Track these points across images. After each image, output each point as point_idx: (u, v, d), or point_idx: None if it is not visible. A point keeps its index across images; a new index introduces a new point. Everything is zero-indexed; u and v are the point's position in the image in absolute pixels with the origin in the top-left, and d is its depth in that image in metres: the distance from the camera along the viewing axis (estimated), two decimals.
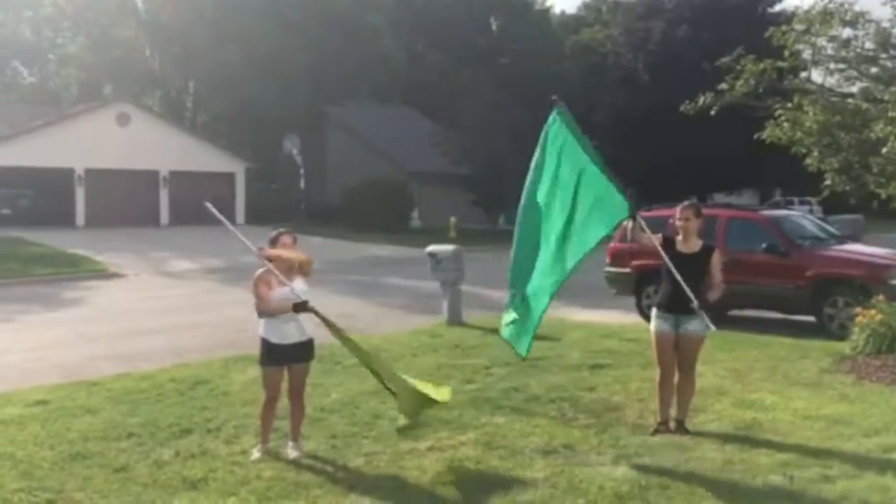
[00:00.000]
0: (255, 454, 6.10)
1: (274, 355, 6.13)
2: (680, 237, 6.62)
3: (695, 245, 6.60)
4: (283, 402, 6.35)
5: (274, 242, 6.19)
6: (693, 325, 6.52)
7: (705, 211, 7.03)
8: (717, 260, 6.59)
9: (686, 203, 6.78)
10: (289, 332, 6.09)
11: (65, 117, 34.73)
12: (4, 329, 13.11)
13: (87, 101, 39.78)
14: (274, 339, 6.11)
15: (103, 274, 20.29)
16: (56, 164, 31.76)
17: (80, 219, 32.64)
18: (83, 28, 46.71)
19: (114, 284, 18.86)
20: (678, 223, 6.62)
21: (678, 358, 6.58)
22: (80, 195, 32.73)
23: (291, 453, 6.12)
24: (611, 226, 6.35)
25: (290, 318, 6.06)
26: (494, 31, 51.89)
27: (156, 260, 23.02)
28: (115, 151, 32.39)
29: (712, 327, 6.43)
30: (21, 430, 6.90)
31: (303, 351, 6.16)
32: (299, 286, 6.04)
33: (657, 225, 7.63)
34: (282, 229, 6.34)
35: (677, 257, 6.47)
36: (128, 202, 32.82)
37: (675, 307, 6.51)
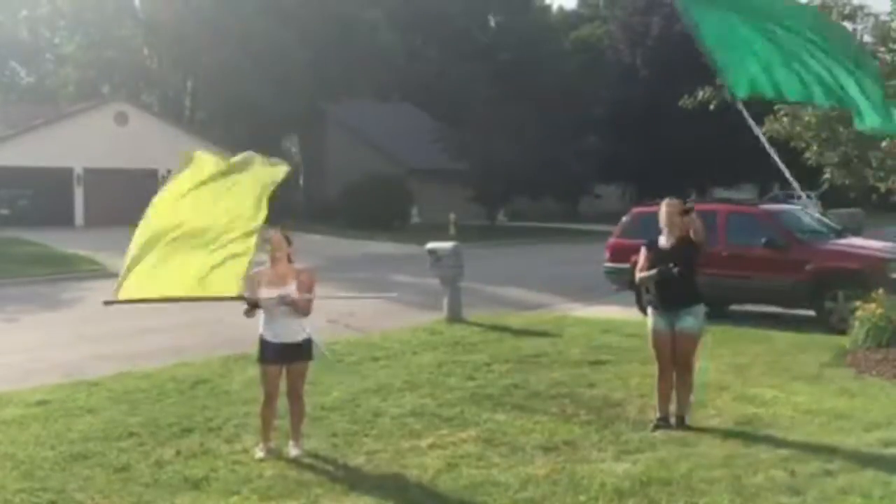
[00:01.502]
0: (259, 453, 6.10)
1: (269, 353, 6.14)
2: (665, 231, 6.65)
3: (673, 238, 6.62)
4: (284, 401, 6.35)
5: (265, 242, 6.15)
6: (688, 322, 6.55)
7: (705, 206, 7.05)
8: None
9: (669, 198, 6.81)
10: (281, 330, 6.08)
11: (63, 117, 34.69)
12: (4, 329, 13.11)
13: (85, 101, 39.70)
14: (268, 337, 6.14)
15: (102, 273, 20.27)
16: (54, 164, 31.72)
17: (80, 218, 32.62)
18: (80, 27, 46.61)
19: (113, 284, 18.82)
20: (662, 217, 6.67)
21: (675, 354, 6.60)
22: (78, 195, 32.70)
23: (292, 452, 6.12)
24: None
25: (285, 317, 6.04)
26: (493, 27, 51.83)
27: None
28: (113, 151, 32.35)
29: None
30: (22, 431, 6.90)
31: (299, 351, 6.14)
32: (290, 289, 6.03)
33: (654, 220, 7.63)
34: (272, 231, 6.20)
35: (659, 251, 6.56)
36: (127, 201, 32.45)
37: (670, 304, 6.54)
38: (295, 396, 6.24)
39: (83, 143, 32.05)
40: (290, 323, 6.08)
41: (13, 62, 54.06)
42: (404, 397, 7.72)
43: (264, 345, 6.17)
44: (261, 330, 6.20)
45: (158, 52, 43.97)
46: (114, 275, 22.44)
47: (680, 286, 6.49)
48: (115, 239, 28.98)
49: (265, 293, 6.01)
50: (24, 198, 32.34)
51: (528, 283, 17.13)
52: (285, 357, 6.13)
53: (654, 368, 6.79)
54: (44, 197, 32.13)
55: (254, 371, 7.86)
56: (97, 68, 45.38)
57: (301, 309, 6.03)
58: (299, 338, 6.14)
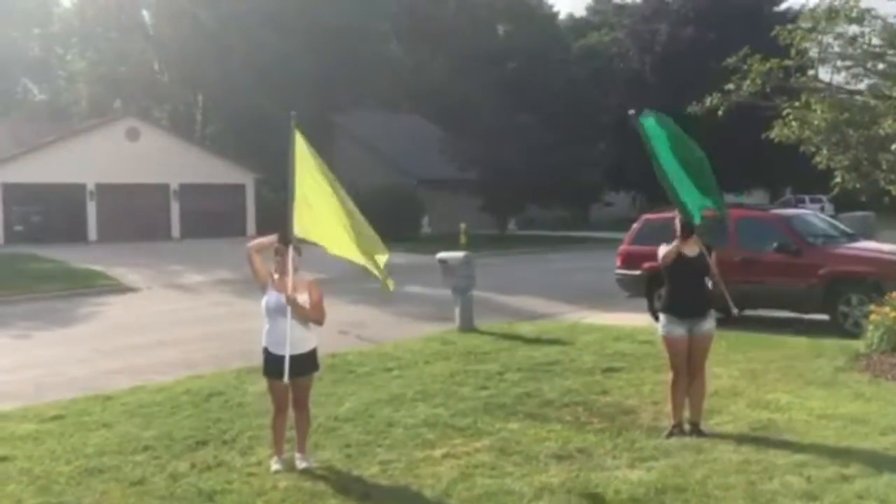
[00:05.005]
0: (274, 465, 6.10)
1: (272, 365, 6.07)
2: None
3: (696, 247, 6.64)
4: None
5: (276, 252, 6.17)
6: (704, 326, 6.60)
7: None
8: (712, 261, 6.70)
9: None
10: (285, 340, 5.95)
11: (75, 133, 34.95)
12: (19, 345, 13.19)
13: (97, 117, 40.03)
14: (271, 348, 6.09)
15: (116, 288, 20.37)
16: (67, 180, 31.96)
17: (93, 234, 32.82)
18: (91, 44, 47.06)
19: (127, 299, 18.94)
20: (678, 225, 6.68)
21: (690, 359, 6.61)
22: (91, 210, 32.92)
23: (299, 464, 6.10)
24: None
25: (285, 328, 5.96)
26: (501, 36, 51.93)
27: (168, 273, 23.11)
28: (125, 166, 32.56)
29: (735, 311, 7.07)
30: (38, 446, 6.94)
31: (304, 363, 6.06)
32: (302, 298, 6.02)
33: (665, 227, 7.65)
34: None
35: (680, 259, 6.56)
36: (139, 216, 32.99)
37: (685, 310, 6.55)
38: (300, 408, 6.19)
39: (95, 159, 32.28)
40: (294, 331, 6.00)
41: (25, 79, 54.54)
42: (417, 407, 7.72)
43: (268, 357, 6.14)
44: (263, 342, 6.16)
45: (168, 68, 44.32)
46: (127, 289, 22.44)
47: (700, 293, 6.52)
48: (128, 253, 29.15)
49: (274, 296, 6.03)
50: (38, 214, 32.53)
51: (539, 292, 17.11)
52: (291, 369, 5.97)
53: (668, 375, 6.78)
54: (57, 213, 32.34)
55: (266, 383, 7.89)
56: (108, 84, 45.76)
57: (308, 317, 6.01)
58: (306, 347, 6.09)
